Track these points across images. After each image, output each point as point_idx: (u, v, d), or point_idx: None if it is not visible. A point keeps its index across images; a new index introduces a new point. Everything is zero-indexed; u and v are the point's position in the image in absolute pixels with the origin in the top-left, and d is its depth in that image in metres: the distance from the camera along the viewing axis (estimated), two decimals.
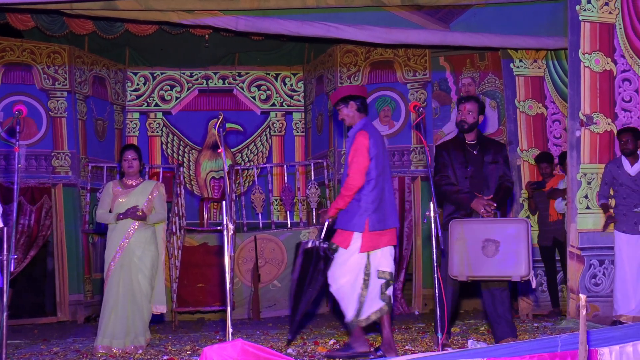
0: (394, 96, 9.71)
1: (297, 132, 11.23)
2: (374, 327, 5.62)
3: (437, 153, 5.73)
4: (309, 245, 5.34)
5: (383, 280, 5.27)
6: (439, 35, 8.33)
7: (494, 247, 5.13)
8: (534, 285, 5.11)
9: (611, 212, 6.88)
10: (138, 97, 11.03)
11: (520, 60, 8.68)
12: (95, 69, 10.12)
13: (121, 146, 9.65)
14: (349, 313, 5.28)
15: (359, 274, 5.25)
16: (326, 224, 5.36)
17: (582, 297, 3.48)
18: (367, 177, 5.22)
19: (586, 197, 7.02)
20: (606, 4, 7.15)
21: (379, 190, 5.24)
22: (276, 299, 9.18)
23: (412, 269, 9.45)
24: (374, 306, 5.27)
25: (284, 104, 11.27)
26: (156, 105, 11.08)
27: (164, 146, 11.05)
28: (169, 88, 11.10)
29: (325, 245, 5.29)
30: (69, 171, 9.48)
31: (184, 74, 11.12)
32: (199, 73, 11.12)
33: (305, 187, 9.95)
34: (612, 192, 6.98)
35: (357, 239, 5.21)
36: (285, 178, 10.07)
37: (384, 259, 5.30)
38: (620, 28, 7.19)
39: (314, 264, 5.27)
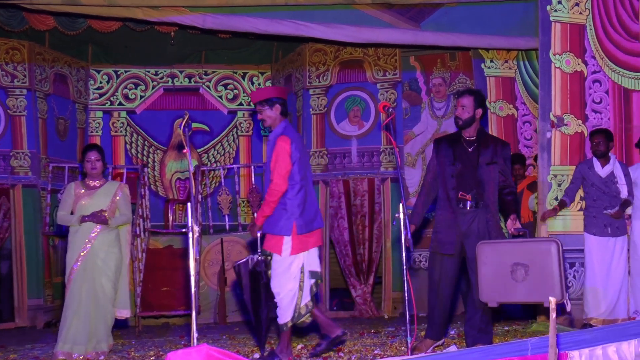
0: (364, 96, 9.74)
1: (265, 132, 11.22)
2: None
3: (433, 147, 5.75)
4: (249, 264, 5.46)
5: (314, 280, 5.45)
6: (410, 35, 8.39)
7: (523, 271, 5.14)
8: (568, 308, 4.91)
9: (557, 208, 6.98)
10: (101, 95, 10.93)
11: (491, 61, 8.77)
12: (56, 66, 10.01)
13: (83, 146, 9.54)
14: (287, 316, 5.37)
15: (297, 278, 5.37)
16: (258, 236, 5.47)
17: (552, 300, 3.53)
18: (290, 181, 5.32)
19: (557, 199, 7.11)
20: (577, 4, 7.26)
21: (303, 193, 5.37)
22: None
23: (382, 272, 9.48)
24: (306, 305, 5.44)
25: (251, 103, 11.24)
26: (120, 104, 10.99)
27: (128, 146, 10.96)
28: (134, 86, 11.02)
29: (262, 258, 5.42)
30: (29, 171, 9.36)
31: (148, 72, 11.05)
32: (165, 71, 11.06)
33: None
34: (582, 194, 7.09)
35: (287, 242, 5.31)
36: (253, 179, 10.05)
37: (313, 259, 5.46)
38: (591, 29, 7.30)
39: (257, 280, 5.43)
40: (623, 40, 7.35)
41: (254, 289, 5.45)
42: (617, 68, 7.34)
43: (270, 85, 11.05)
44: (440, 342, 5.71)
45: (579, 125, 7.22)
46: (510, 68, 8.81)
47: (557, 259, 4.83)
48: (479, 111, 5.52)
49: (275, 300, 5.40)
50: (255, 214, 5.80)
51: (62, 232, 8.23)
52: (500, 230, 5.58)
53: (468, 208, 5.46)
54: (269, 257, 5.40)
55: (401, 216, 4.73)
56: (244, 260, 5.53)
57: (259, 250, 5.45)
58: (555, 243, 4.83)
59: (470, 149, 5.51)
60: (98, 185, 6.24)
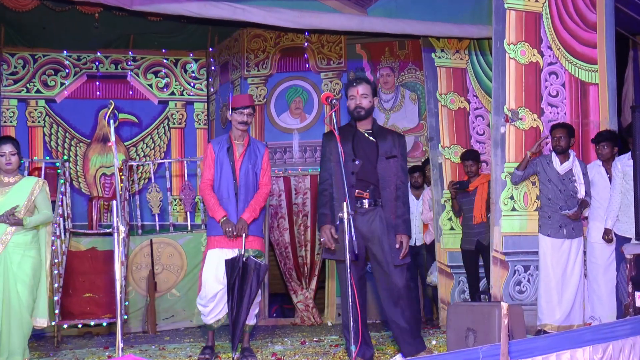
0: (306, 86, 9.76)
1: (199, 124, 11.14)
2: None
3: (324, 143, 5.70)
4: (240, 259, 6.18)
5: None
6: (356, 21, 8.40)
7: (472, 337, 5.39)
8: None
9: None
10: (16, 82, 10.70)
11: (442, 50, 8.85)
12: None
13: None
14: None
15: None
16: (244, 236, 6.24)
17: (504, 305, 3.59)
18: None
19: (511, 197, 7.22)
20: None
21: None
22: (175, 310, 9.09)
23: (325, 277, 9.51)
24: None
25: (184, 92, 11.16)
26: (38, 91, 10.78)
27: (46, 138, 10.77)
28: (53, 72, 10.82)
29: (252, 255, 6.23)
30: None
31: (70, 56, 10.86)
32: (88, 56, 10.88)
33: None
34: (537, 192, 7.22)
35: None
36: (186, 175, 9.98)
37: None
38: (547, 17, 7.44)
39: (243, 275, 6.13)
40: (580, 30, 7.52)
41: (240, 288, 6.06)
42: (574, 60, 7.50)
43: (205, 72, 11.00)
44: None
45: (534, 119, 7.35)
46: (461, 58, 8.91)
47: (499, 323, 5.16)
48: (376, 99, 5.65)
49: (255, 302, 6.25)
50: (244, 214, 6.35)
51: None
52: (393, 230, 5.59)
53: (367, 207, 5.49)
54: (258, 256, 6.28)
55: (345, 216, 4.70)
56: (237, 257, 6.20)
57: (243, 250, 6.21)
58: (497, 308, 5.22)
59: (368, 142, 5.52)
60: (13, 181, 6.12)
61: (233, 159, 6.42)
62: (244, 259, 6.17)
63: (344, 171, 4.89)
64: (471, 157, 8.31)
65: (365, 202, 5.47)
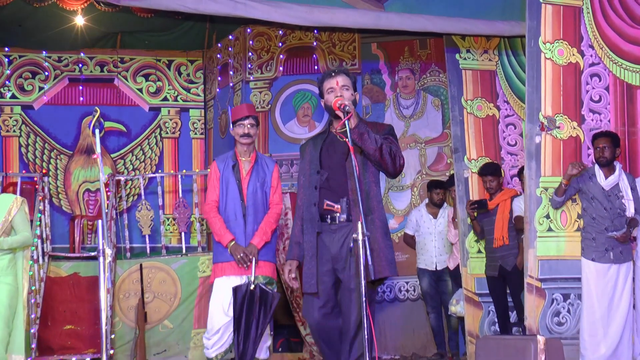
0: (315, 91, 9.71)
1: (195, 133, 11.15)
2: None
3: (300, 157, 5.53)
4: (248, 286, 6.30)
5: None
6: (371, 17, 8.37)
7: None
8: None
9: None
10: None
11: (468, 50, 8.81)
12: None
13: None
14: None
15: None
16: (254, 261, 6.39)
17: (541, 339, 3.53)
18: None
19: (547, 216, 7.16)
20: None
21: None
22: (167, 344, 9.05)
23: None
24: None
25: (178, 98, 11.17)
26: (13, 97, 10.82)
27: (23, 149, 10.80)
28: (30, 75, 10.86)
29: (262, 283, 6.37)
30: None
31: (49, 57, 10.91)
32: (70, 57, 10.93)
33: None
34: (579, 211, 7.15)
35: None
36: (180, 191, 9.94)
37: None
38: (589, 12, 7.39)
39: (250, 305, 6.25)
40: (626, 27, 7.47)
41: (247, 318, 6.23)
42: (619, 60, 7.44)
43: (202, 75, 11.00)
44: None
45: (574, 128, 7.30)
46: (490, 59, 8.87)
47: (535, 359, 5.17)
48: (357, 94, 5.34)
49: (265, 334, 6.47)
50: (254, 238, 6.49)
51: None
52: (390, 250, 5.18)
53: (337, 222, 5.17)
54: (269, 283, 6.47)
55: (359, 237, 4.61)
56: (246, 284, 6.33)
57: (252, 276, 6.33)
58: (533, 342, 5.22)
59: (339, 144, 5.17)
60: None
61: (239, 177, 6.49)
62: (252, 286, 6.23)
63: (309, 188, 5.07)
64: (490, 171, 8.24)
65: (337, 218, 5.25)
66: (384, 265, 5.08)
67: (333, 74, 5.29)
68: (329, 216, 5.15)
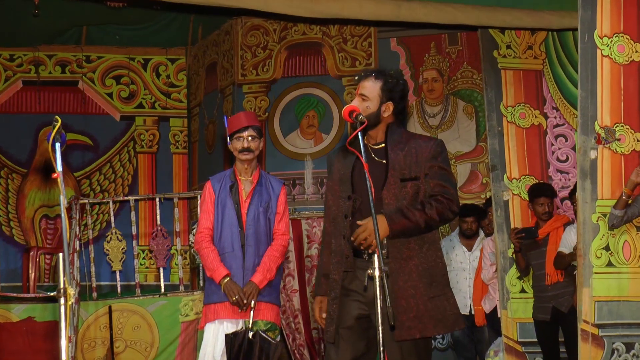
0: (323, 96, 9.76)
1: (177, 147, 11.17)
2: None
3: (328, 172, 5.44)
4: (248, 334, 6.19)
5: None
6: (390, 7, 8.39)
7: None
8: None
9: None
10: None
11: (508, 47, 8.83)
12: None
13: None
14: None
15: None
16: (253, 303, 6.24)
17: None
18: None
19: (607, 248, 7.11)
20: None
21: None
22: None
23: None
24: None
25: (156, 104, 11.20)
26: None
27: None
28: None
29: (262, 330, 6.23)
30: None
31: (0, 55, 10.93)
32: (24, 55, 10.98)
33: (188, 232, 9.83)
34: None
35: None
36: (159, 218, 9.92)
37: None
38: None
39: (247, 356, 6.13)
40: None
41: None
42: None
43: (185, 77, 11.01)
44: None
45: (637, 140, 7.25)
46: (535, 57, 8.89)
47: None
48: (389, 106, 5.02)
49: None
50: (255, 275, 6.37)
51: None
52: (446, 290, 5.01)
53: (368, 258, 4.92)
54: (272, 330, 6.35)
55: (376, 273, 4.54)
56: (244, 332, 6.22)
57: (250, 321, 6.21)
58: None
59: (375, 164, 4.97)
60: None
61: (238, 200, 6.38)
62: (250, 334, 6.12)
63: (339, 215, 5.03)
64: (543, 193, 8.20)
65: (369, 253, 5.12)
66: (426, 323, 4.94)
67: (357, 77, 5.09)
68: (365, 252, 4.98)
